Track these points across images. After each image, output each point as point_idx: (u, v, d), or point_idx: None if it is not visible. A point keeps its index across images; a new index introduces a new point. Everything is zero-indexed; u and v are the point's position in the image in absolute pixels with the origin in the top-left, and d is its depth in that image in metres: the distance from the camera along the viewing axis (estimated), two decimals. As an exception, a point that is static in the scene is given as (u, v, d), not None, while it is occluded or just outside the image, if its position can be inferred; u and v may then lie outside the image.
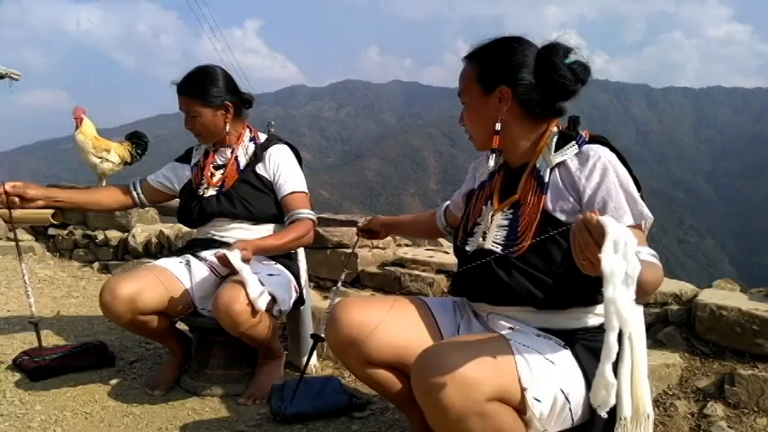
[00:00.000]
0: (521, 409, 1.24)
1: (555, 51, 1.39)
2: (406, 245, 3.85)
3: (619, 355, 1.39)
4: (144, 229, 4.26)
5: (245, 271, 1.86)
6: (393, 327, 1.48)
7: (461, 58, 1.48)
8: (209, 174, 2.23)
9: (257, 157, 2.23)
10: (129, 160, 4.85)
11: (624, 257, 0.96)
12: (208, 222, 2.21)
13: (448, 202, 1.91)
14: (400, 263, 2.88)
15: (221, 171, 2.23)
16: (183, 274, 2.10)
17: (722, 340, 2.01)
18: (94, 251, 4.41)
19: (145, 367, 2.43)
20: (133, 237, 4.13)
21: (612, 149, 1.39)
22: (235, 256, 1.85)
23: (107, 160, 4.77)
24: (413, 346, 1.40)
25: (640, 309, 1.46)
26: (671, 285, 2.30)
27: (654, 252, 1.27)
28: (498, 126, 1.41)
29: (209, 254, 2.17)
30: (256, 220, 2.16)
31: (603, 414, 1.10)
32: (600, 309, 1.42)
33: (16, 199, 2.11)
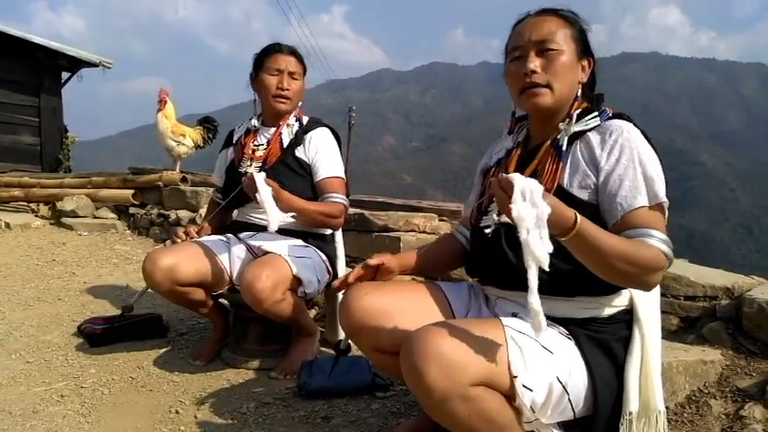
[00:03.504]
0: (511, 395, 1.23)
1: None
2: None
3: (628, 347, 1.35)
4: (211, 209, 4.49)
5: (263, 192, 1.95)
6: (405, 314, 1.46)
7: (544, 9, 1.42)
8: (249, 151, 2.32)
9: (298, 140, 2.29)
10: (201, 144, 5.14)
11: (532, 203, 1.06)
12: (249, 202, 2.30)
13: (460, 219, 1.80)
14: (442, 247, 2.87)
15: (263, 147, 2.32)
16: (221, 252, 2.21)
17: (772, 339, 1.87)
18: (168, 229, 4.71)
19: (193, 339, 2.59)
20: (200, 216, 4.37)
21: (636, 126, 1.34)
22: (260, 177, 1.97)
23: (182, 144, 5.08)
24: None
25: (655, 299, 1.40)
26: (723, 278, 2.16)
27: (665, 238, 1.22)
28: (579, 93, 1.40)
29: (247, 235, 2.28)
30: None
31: (537, 336, 1.17)
32: (609, 299, 1.37)
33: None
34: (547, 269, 1.07)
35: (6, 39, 8.03)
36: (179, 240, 2.25)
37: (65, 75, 9.04)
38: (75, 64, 8.83)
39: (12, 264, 3.86)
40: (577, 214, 1.13)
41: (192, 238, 2.26)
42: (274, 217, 1.95)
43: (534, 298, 1.10)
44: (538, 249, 1.06)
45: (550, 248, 1.06)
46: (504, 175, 1.11)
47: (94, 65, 8.73)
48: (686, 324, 2.12)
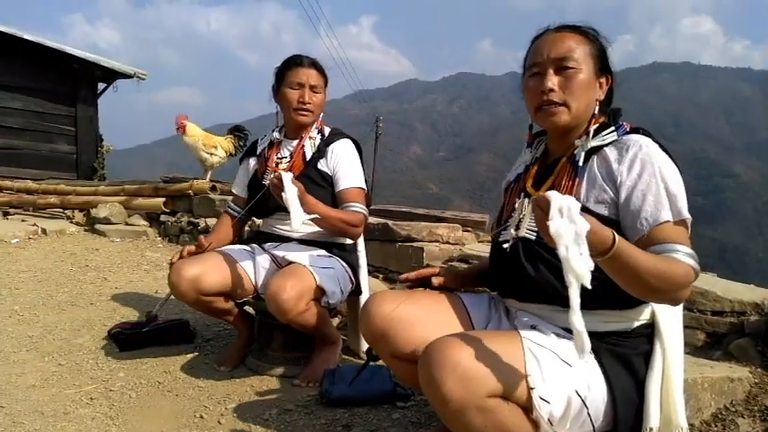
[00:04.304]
0: (528, 407, 1.23)
1: None
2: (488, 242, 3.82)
3: (649, 361, 1.34)
4: (239, 218, 4.57)
5: (289, 192, 1.97)
6: (425, 323, 1.48)
7: (564, 25, 1.42)
8: (273, 164, 2.36)
9: (320, 152, 2.33)
10: (233, 152, 5.26)
11: (570, 220, 1.04)
12: (272, 214, 2.35)
13: None
14: (464, 258, 2.88)
15: (287, 160, 2.36)
16: (246, 261, 2.25)
17: (802, 356, 1.83)
18: (197, 236, 4.80)
19: (218, 345, 2.64)
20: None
21: (655, 141, 1.34)
22: (287, 177, 1.99)
23: (215, 155, 5.19)
24: None
25: (677, 314, 1.39)
26: (751, 294, 2.12)
27: (692, 252, 1.21)
28: (596, 110, 1.40)
29: (271, 245, 2.33)
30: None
31: (585, 360, 1.14)
32: (632, 313, 1.36)
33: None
34: (589, 286, 1.03)
35: (44, 50, 8.33)
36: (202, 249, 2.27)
37: (101, 85, 9.31)
38: (111, 75, 9.10)
39: (47, 268, 3.98)
40: (615, 234, 1.10)
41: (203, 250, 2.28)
42: (297, 216, 1.97)
43: (577, 317, 1.07)
44: (579, 266, 1.03)
45: (592, 265, 1.04)
46: (542, 193, 1.10)
47: (129, 76, 8.97)
48: (713, 340, 2.08)
